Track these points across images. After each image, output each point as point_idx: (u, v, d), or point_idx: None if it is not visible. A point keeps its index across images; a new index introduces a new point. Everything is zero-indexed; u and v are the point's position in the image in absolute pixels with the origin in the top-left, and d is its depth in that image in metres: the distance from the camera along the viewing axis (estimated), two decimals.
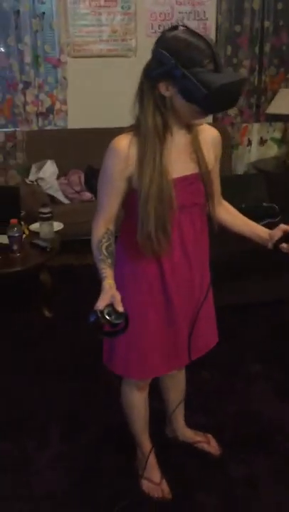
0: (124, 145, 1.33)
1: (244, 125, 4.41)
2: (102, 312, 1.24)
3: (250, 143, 4.49)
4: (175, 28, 1.27)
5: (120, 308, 1.25)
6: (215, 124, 4.27)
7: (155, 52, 1.27)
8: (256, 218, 3.26)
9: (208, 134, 1.45)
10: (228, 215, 1.61)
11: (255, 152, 4.53)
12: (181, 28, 1.27)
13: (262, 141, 4.54)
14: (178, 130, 1.35)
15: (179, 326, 1.57)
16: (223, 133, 4.81)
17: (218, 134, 1.49)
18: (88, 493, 1.83)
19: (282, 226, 1.47)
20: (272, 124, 4.48)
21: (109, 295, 1.27)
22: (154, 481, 1.81)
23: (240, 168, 4.49)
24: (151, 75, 1.27)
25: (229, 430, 2.08)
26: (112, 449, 2.00)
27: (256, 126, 4.47)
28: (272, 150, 4.57)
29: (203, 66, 1.22)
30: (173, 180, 1.35)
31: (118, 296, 1.27)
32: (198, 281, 1.56)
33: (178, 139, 1.36)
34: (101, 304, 1.25)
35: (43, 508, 1.78)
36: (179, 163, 1.37)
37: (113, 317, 1.24)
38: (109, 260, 1.38)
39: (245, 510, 1.76)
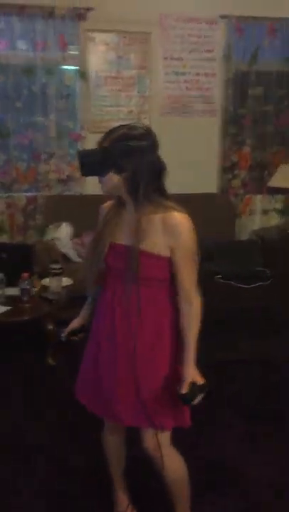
0: None
1: (247, 196, 4.75)
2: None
3: (253, 213, 4.81)
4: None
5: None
6: (220, 194, 4.64)
7: None
8: (249, 280, 3.56)
9: (162, 221, 1.55)
10: (181, 318, 1.64)
11: (257, 221, 4.84)
12: None
13: (264, 212, 4.85)
14: (129, 206, 1.62)
15: (102, 374, 1.72)
16: (226, 203, 5.11)
17: (174, 223, 1.55)
18: None
19: (188, 376, 1.59)
20: (274, 196, 4.81)
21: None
22: None
23: (244, 235, 4.78)
24: (159, 168, 1.61)
25: (203, 475, 2.23)
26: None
27: (259, 197, 4.80)
28: (275, 220, 4.88)
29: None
30: (110, 242, 1.65)
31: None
32: (122, 350, 1.65)
33: (128, 213, 1.62)
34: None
35: None
36: (119, 232, 1.64)
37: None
38: None
39: None
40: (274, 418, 2.72)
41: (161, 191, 1.60)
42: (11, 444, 2.49)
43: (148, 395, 1.64)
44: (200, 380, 1.61)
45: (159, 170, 1.59)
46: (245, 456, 2.42)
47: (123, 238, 1.63)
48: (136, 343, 1.62)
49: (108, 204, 1.72)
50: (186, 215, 1.57)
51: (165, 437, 1.72)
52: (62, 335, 1.90)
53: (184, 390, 1.59)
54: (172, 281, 1.61)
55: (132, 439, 1.82)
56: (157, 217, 1.56)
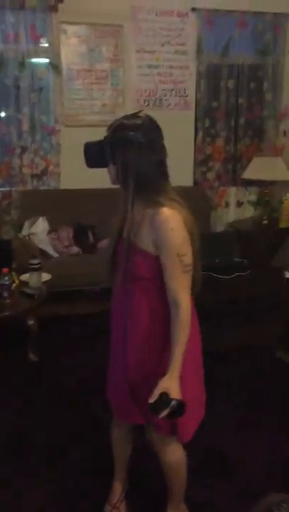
0: None
1: (222, 188, 4.81)
2: None
3: (227, 205, 4.87)
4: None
5: None
6: (195, 187, 4.67)
7: None
8: (228, 271, 3.60)
9: (151, 216, 1.53)
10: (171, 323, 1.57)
11: (232, 213, 4.91)
12: None
13: (239, 204, 4.92)
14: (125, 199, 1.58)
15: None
16: (202, 195, 5.17)
17: (158, 219, 1.50)
18: None
19: (161, 386, 1.49)
20: (248, 188, 4.88)
21: None
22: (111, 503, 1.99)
23: (219, 228, 4.84)
24: (152, 163, 1.55)
25: (196, 460, 2.26)
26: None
27: (233, 189, 4.87)
28: (249, 211, 4.95)
29: None
30: (119, 237, 1.64)
31: None
32: (118, 341, 1.67)
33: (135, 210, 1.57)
34: None
35: None
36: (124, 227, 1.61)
37: None
38: None
39: None
40: (263, 404, 2.78)
41: (157, 184, 1.54)
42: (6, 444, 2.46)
43: (140, 395, 1.61)
44: (175, 395, 1.48)
45: (154, 162, 1.53)
46: (237, 442, 2.46)
47: (124, 233, 1.61)
48: (125, 344, 1.61)
49: None
50: (175, 212, 1.50)
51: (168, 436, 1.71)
52: None
53: (152, 398, 1.48)
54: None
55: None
56: (148, 213, 1.53)
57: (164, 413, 1.48)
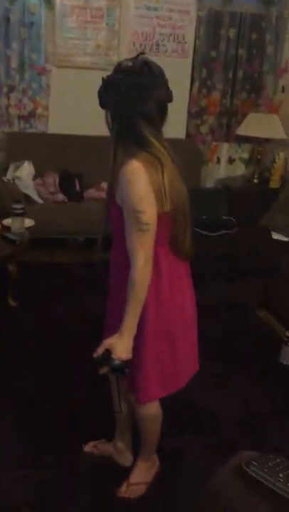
0: None
1: (214, 143, 4.69)
2: None
3: (219, 161, 4.77)
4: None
5: None
6: (187, 140, 4.55)
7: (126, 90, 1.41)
8: (215, 228, 3.57)
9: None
10: None
11: (223, 170, 4.81)
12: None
13: (230, 160, 4.82)
14: None
15: None
16: (194, 149, 5.05)
17: (121, 170, 1.45)
18: None
19: (106, 342, 1.51)
20: (241, 144, 4.77)
21: None
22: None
23: (209, 184, 4.75)
24: (135, 111, 1.43)
25: (168, 411, 2.30)
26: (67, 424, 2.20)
27: (226, 145, 4.75)
28: (240, 169, 4.86)
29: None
30: None
31: None
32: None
33: None
34: None
35: None
36: None
37: None
38: None
39: (174, 477, 1.98)
40: (240, 361, 2.81)
41: (139, 135, 1.44)
42: None
43: None
44: (121, 356, 1.49)
45: (138, 111, 1.43)
46: (216, 397, 2.50)
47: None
48: (109, 305, 1.66)
49: None
50: (140, 166, 1.41)
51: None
52: None
53: (95, 353, 1.51)
54: None
55: None
56: (123, 163, 1.45)
57: (104, 370, 1.52)
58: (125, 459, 2.04)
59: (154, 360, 1.65)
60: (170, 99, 1.48)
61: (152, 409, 1.81)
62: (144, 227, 1.43)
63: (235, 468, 1.00)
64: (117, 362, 1.49)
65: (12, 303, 3.18)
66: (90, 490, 1.92)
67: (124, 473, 1.97)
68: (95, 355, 1.51)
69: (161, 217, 1.47)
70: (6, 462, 2.01)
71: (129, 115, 1.43)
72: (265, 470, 1.07)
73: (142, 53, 1.46)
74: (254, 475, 1.06)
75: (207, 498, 0.98)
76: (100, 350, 1.50)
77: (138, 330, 1.52)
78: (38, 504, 1.85)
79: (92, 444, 2.10)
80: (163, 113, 1.48)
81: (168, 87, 1.47)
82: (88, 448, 2.09)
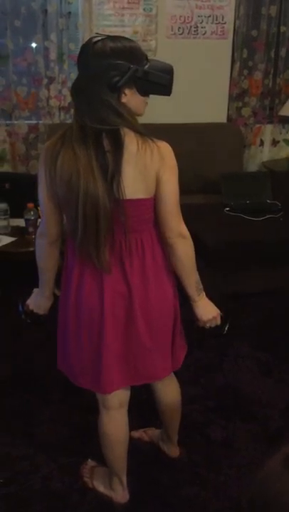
0: None
1: (257, 126, 4.56)
2: None
3: (262, 143, 4.64)
4: (96, 41, 1.44)
5: None
6: (229, 123, 4.45)
7: (108, 65, 1.37)
8: (259, 213, 3.48)
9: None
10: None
11: (267, 152, 4.68)
12: (100, 38, 1.44)
13: (274, 142, 4.69)
14: None
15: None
16: (235, 133, 4.92)
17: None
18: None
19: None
20: (285, 126, 4.62)
21: None
22: None
23: (252, 167, 4.64)
24: (118, 86, 1.38)
25: (213, 400, 2.28)
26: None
27: (269, 127, 4.62)
28: (284, 151, 4.72)
29: (146, 59, 1.43)
30: None
31: None
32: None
33: None
34: None
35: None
36: None
37: None
38: None
39: (220, 466, 1.96)
40: (285, 350, 2.74)
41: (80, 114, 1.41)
42: None
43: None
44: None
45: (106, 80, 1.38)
46: (262, 385, 2.45)
47: None
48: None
49: None
50: (47, 144, 1.50)
51: None
52: None
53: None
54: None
55: None
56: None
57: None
58: (170, 449, 2.04)
59: (62, 329, 1.71)
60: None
61: (103, 424, 1.74)
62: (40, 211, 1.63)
63: (285, 458, 0.97)
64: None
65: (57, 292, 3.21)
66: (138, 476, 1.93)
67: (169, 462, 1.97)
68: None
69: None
70: (56, 449, 2.05)
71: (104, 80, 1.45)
72: None
73: (96, 35, 1.48)
74: None
75: (257, 489, 0.96)
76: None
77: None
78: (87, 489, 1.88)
79: (141, 430, 2.12)
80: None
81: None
82: (137, 433, 2.10)
